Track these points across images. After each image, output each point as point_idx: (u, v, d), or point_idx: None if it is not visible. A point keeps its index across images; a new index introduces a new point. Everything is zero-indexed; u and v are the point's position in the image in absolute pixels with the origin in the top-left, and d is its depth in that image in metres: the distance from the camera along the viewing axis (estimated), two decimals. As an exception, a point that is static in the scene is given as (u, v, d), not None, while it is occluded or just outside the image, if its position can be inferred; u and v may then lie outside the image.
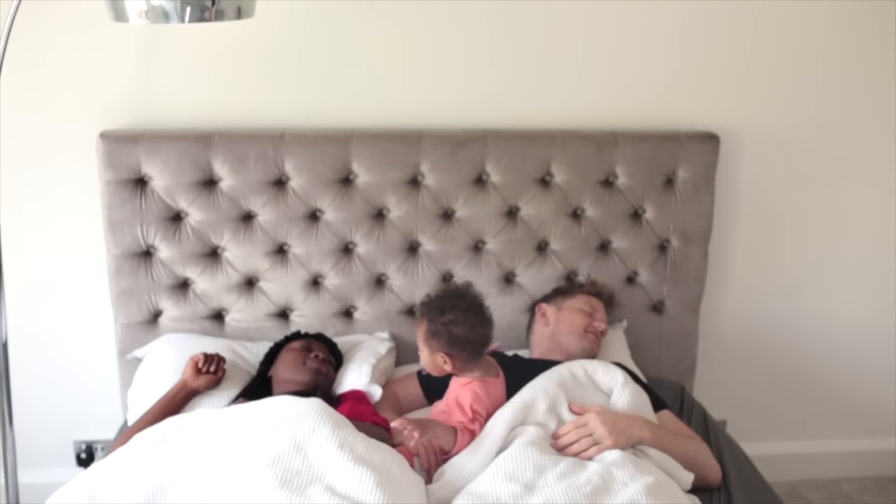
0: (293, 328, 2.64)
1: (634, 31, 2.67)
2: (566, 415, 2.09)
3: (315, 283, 2.65)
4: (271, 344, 2.48)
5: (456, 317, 2.09)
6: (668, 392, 2.53)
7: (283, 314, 2.66)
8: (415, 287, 2.65)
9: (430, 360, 2.14)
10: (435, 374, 2.17)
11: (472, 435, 2.07)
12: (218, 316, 2.64)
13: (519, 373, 2.23)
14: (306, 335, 2.49)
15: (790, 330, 3.03)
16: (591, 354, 2.45)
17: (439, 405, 2.22)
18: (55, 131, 2.56)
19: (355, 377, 2.39)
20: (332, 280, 2.64)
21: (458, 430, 2.07)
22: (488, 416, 2.12)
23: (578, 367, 2.24)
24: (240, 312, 2.62)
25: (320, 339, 2.49)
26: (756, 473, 2.37)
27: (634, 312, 2.77)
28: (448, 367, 2.13)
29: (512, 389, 2.18)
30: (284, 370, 2.33)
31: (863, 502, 3.08)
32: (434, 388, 2.34)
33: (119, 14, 2.03)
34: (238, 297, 2.62)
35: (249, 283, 2.63)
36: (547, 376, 2.20)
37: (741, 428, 2.98)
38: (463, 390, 2.13)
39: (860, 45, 2.78)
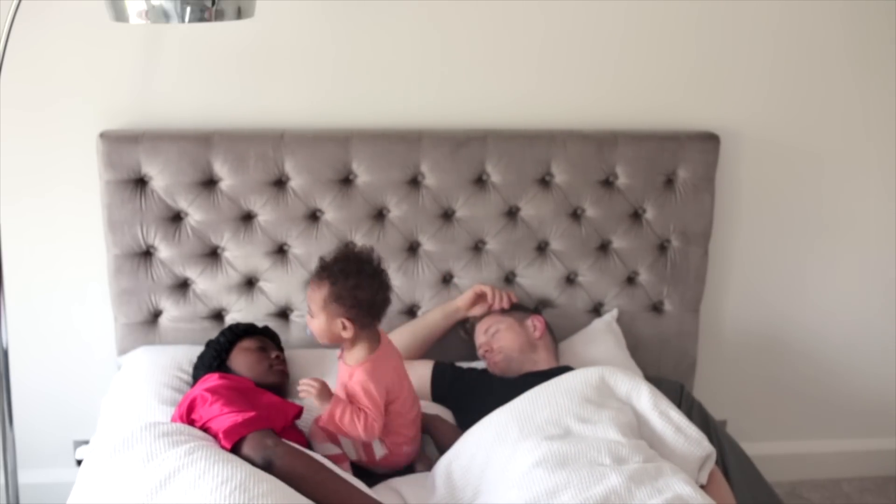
0: (293, 328, 2.64)
1: (635, 31, 2.67)
2: (574, 425, 2.06)
3: (315, 283, 2.64)
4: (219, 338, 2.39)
5: (360, 281, 2.07)
6: (668, 391, 2.52)
7: (283, 314, 2.65)
8: (415, 287, 2.65)
9: (328, 326, 2.09)
10: (326, 341, 2.12)
11: (371, 428, 2.07)
12: (218, 316, 2.63)
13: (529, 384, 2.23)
14: (250, 330, 2.41)
15: (790, 330, 3.03)
16: (499, 370, 2.45)
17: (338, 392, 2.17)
18: (55, 131, 2.56)
19: None
20: (332, 280, 2.63)
21: (365, 415, 2.07)
22: (392, 390, 2.12)
23: (594, 373, 2.23)
24: (240, 312, 2.62)
25: (267, 333, 2.44)
26: (756, 473, 2.38)
27: (634, 312, 2.77)
28: (346, 334, 2.09)
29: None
30: (247, 372, 2.28)
31: (863, 502, 3.08)
32: (444, 385, 2.33)
33: (119, 14, 2.03)
34: (238, 297, 2.62)
35: (249, 283, 2.63)
36: (555, 383, 2.19)
37: (741, 428, 2.98)
38: (354, 386, 2.10)
39: (861, 44, 2.78)
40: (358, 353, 2.12)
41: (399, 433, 2.17)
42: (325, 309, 2.08)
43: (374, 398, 2.08)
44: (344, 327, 2.08)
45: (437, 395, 2.40)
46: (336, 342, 2.13)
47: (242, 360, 2.31)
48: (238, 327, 2.40)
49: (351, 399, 2.10)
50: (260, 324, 2.47)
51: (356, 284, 2.07)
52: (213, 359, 2.32)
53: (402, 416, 2.16)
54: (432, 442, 2.29)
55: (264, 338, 2.40)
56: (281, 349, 2.44)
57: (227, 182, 2.55)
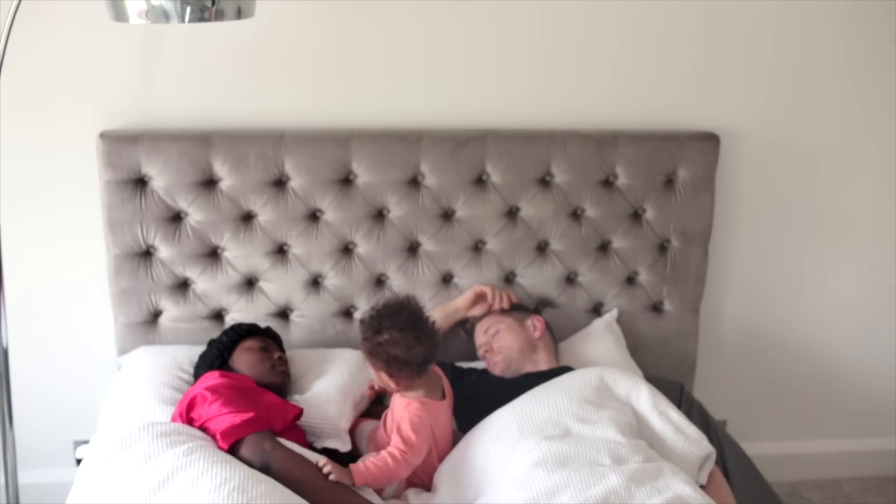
0: (293, 328, 2.64)
1: (634, 31, 2.67)
2: (574, 425, 2.06)
3: (315, 283, 2.65)
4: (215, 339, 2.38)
5: (392, 336, 2.03)
6: (668, 391, 2.52)
7: (283, 314, 2.66)
8: (415, 287, 2.65)
9: (377, 377, 2.12)
10: (386, 388, 2.16)
11: (408, 463, 2.03)
12: (218, 316, 2.63)
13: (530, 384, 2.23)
14: (253, 330, 2.40)
15: (790, 330, 3.03)
16: (499, 370, 2.45)
17: (387, 418, 2.18)
18: (55, 131, 2.56)
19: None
20: (332, 280, 2.64)
21: (392, 457, 2.02)
22: (432, 437, 2.10)
23: (593, 373, 2.23)
24: (240, 312, 2.62)
25: (269, 334, 2.43)
26: (757, 473, 2.38)
27: (634, 312, 2.77)
28: (393, 385, 2.10)
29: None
30: (249, 371, 2.27)
31: (863, 502, 3.08)
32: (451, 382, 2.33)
33: (119, 14, 2.03)
34: (238, 297, 2.62)
35: (249, 283, 2.63)
36: (554, 384, 2.19)
37: (741, 428, 2.98)
38: (404, 413, 2.08)
39: (860, 45, 2.78)
40: (416, 394, 2.13)
41: (419, 478, 2.15)
42: (368, 361, 2.10)
43: (421, 434, 2.05)
44: (389, 379, 2.09)
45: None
46: (393, 391, 2.14)
47: (245, 359, 2.31)
48: (241, 327, 2.40)
49: (396, 428, 2.07)
50: (261, 324, 2.47)
51: (387, 341, 2.04)
52: (216, 357, 2.32)
53: (431, 466, 2.14)
54: None
55: (267, 338, 2.40)
56: (283, 350, 2.44)
57: (227, 182, 2.55)
